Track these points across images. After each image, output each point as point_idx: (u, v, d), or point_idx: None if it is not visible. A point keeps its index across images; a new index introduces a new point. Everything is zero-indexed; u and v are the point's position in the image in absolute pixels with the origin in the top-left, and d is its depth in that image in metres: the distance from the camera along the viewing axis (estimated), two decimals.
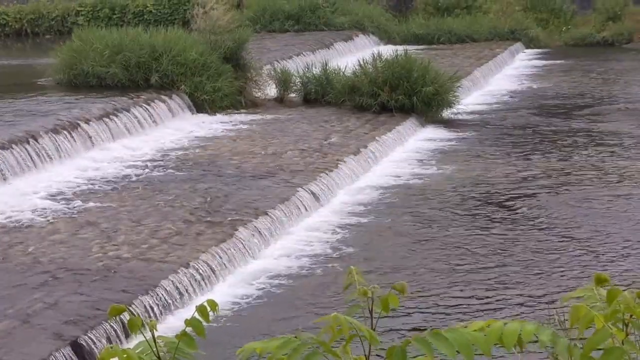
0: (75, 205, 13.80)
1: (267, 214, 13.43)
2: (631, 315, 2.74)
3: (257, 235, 12.79)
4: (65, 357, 8.90)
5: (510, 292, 11.35)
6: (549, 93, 26.31)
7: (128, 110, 18.71)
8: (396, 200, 15.32)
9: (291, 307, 10.94)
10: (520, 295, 11.24)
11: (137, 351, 2.80)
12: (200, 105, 20.76)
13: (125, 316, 8.19)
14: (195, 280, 11.13)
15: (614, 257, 12.54)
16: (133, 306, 9.96)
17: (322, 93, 22.24)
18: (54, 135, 16.18)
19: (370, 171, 17.19)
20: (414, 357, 2.75)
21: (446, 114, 22.04)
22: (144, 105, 19.33)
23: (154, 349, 2.81)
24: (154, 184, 15.06)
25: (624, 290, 2.79)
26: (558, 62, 32.84)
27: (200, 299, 8.82)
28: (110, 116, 18.05)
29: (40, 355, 8.76)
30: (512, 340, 2.71)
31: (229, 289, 11.39)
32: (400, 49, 23.62)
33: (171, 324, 9.88)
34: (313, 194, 14.87)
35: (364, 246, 13.07)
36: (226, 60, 21.76)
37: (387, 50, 23.51)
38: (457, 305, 10.96)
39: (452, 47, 33.98)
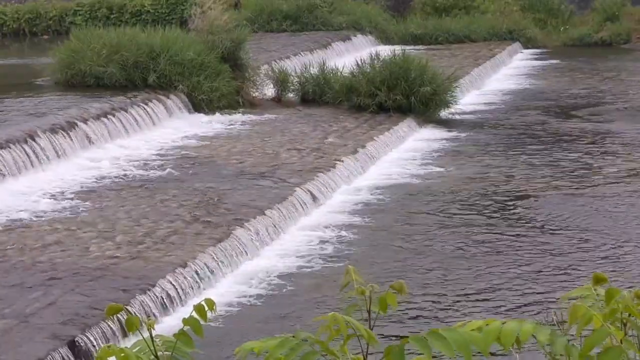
0: (73, 205, 13.79)
1: (264, 214, 13.43)
2: (629, 315, 2.74)
3: (254, 234, 12.79)
4: (62, 356, 8.89)
5: (508, 291, 11.35)
6: (547, 93, 26.31)
7: (126, 110, 18.70)
8: (394, 200, 15.32)
9: (289, 307, 10.94)
10: (519, 294, 11.24)
11: (134, 350, 2.80)
12: (197, 105, 20.75)
13: (123, 315, 8.19)
14: (193, 279, 11.13)
15: (614, 256, 12.54)
16: (131, 305, 9.96)
17: (319, 93, 22.24)
18: (51, 135, 16.17)
19: (367, 171, 17.19)
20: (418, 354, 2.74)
21: (444, 114, 22.03)
22: (142, 104, 19.32)
23: (152, 348, 2.81)
24: (151, 184, 15.05)
25: (623, 289, 2.79)
26: (556, 62, 32.85)
27: (198, 298, 8.81)
28: (108, 116, 18.04)
29: (37, 355, 8.76)
30: (510, 340, 2.71)
31: (226, 289, 11.38)
32: (398, 49, 23.62)
33: (169, 323, 9.87)
34: (311, 193, 14.87)
35: (361, 246, 13.07)
36: (224, 60, 21.74)
37: (385, 50, 23.50)
38: (455, 305, 10.96)
39: (450, 47, 33.97)
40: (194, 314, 2.91)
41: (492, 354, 2.75)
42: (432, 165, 17.74)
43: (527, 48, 36.14)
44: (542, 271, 12.00)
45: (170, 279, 10.84)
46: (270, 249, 12.84)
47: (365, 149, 17.92)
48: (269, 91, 22.77)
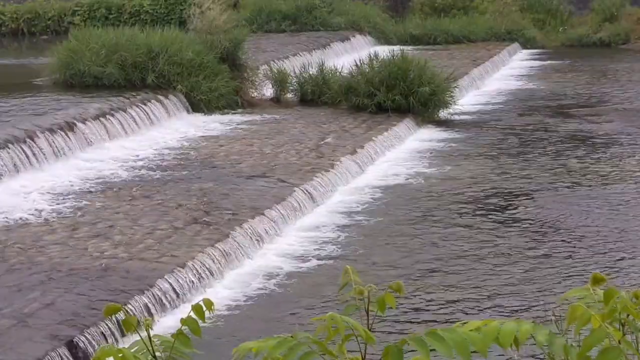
0: (71, 205, 13.78)
1: (263, 214, 13.42)
2: (628, 316, 2.74)
3: (253, 235, 12.78)
4: (61, 356, 8.89)
5: (507, 291, 11.35)
6: (546, 93, 26.32)
7: (124, 110, 18.69)
8: (392, 201, 15.32)
9: (287, 307, 10.94)
10: (517, 294, 11.24)
11: (132, 350, 2.80)
12: (196, 105, 20.75)
13: (121, 316, 8.18)
14: (192, 279, 11.12)
15: (612, 256, 12.54)
16: (129, 306, 9.95)
17: (318, 93, 22.24)
18: (50, 135, 16.16)
19: (366, 171, 17.19)
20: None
21: (442, 114, 22.04)
22: (140, 105, 19.32)
23: (150, 348, 2.80)
24: (150, 184, 15.04)
25: (621, 289, 2.79)
26: (555, 62, 32.86)
27: (197, 299, 8.79)
28: (107, 116, 18.03)
29: (36, 355, 8.75)
30: (508, 340, 2.70)
31: (225, 289, 11.38)
32: (396, 49, 23.62)
33: (167, 324, 9.86)
34: (309, 194, 14.86)
35: (360, 246, 13.07)
36: (223, 61, 21.75)
37: (384, 51, 23.51)
38: (453, 305, 10.96)
39: (448, 48, 33.99)
40: (192, 314, 2.91)
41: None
42: (431, 165, 17.73)
43: (526, 48, 36.17)
44: (541, 271, 12.00)
45: (169, 279, 10.83)
46: (269, 249, 12.83)
47: (364, 149, 17.92)
48: (268, 91, 22.79)
